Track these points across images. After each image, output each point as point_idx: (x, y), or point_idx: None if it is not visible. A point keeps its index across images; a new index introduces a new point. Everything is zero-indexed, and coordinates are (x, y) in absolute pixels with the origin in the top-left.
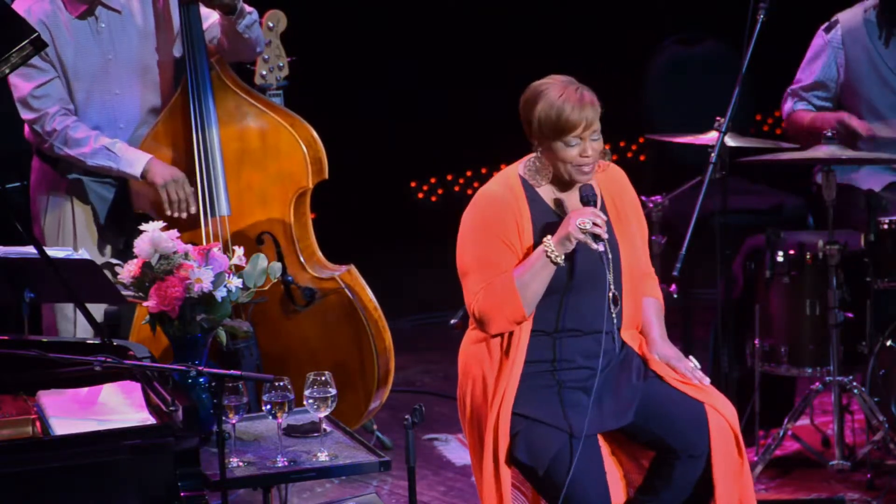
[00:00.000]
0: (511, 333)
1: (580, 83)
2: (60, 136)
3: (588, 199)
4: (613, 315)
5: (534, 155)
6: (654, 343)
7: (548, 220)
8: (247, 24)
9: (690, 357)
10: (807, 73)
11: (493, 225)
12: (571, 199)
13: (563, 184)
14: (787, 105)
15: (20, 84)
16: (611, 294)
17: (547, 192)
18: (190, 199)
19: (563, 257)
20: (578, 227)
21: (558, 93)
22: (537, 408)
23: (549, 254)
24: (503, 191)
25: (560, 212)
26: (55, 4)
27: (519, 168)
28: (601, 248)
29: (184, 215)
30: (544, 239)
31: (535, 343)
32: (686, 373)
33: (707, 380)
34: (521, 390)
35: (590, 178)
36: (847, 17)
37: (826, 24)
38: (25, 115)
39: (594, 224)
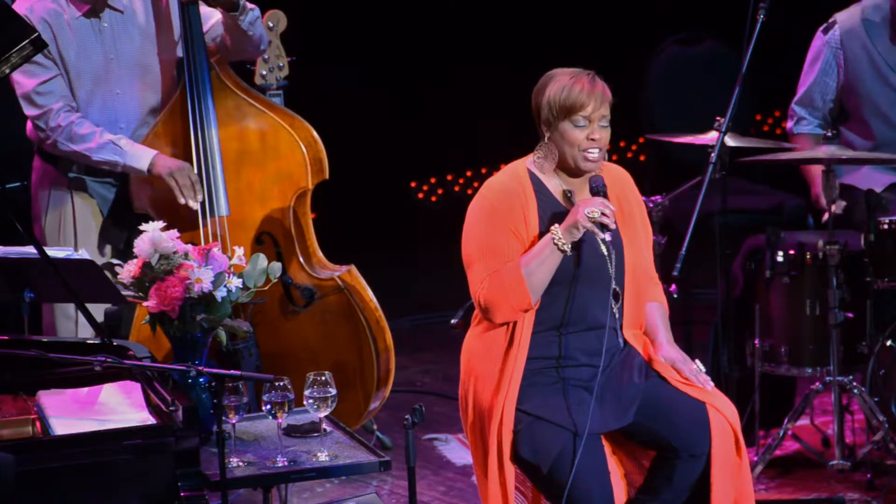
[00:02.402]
0: (514, 330)
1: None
2: (65, 132)
3: (598, 189)
4: (615, 311)
5: (542, 143)
6: (661, 346)
7: (554, 211)
8: (250, 21)
9: (696, 360)
10: (807, 77)
11: (501, 214)
12: (579, 191)
13: (570, 175)
14: (788, 124)
15: (23, 80)
16: (612, 289)
17: (554, 185)
18: (197, 185)
19: (570, 246)
20: (587, 215)
21: (569, 75)
22: (541, 405)
23: (556, 241)
24: (510, 181)
25: (567, 204)
26: (58, 3)
27: (527, 161)
28: (608, 237)
29: (195, 204)
30: (552, 227)
31: (538, 339)
32: (690, 376)
33: (711, 384)
34: (525, 387)
35: (596, 167)
36: (845, 18)
37: (824, 26)
38: (29, 111)
39: (602, 213)
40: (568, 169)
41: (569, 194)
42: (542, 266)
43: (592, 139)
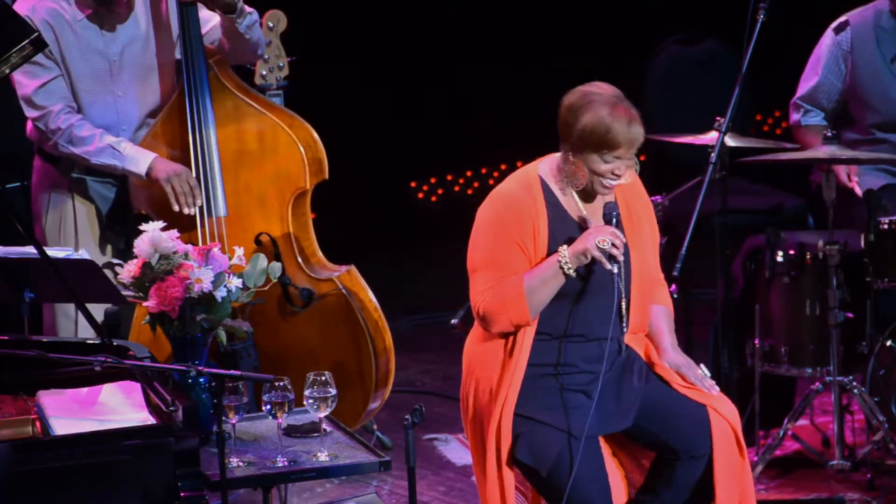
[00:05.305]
0: (516, 335)
1: (625, 99)
2: (65, 135)
3: (611, 216)
4: (623, 326)
5: (567, 159)
6: (665, 352)
7: (564, 227)
8: (247, 25)
9: (701, 365)
10: (812, 74)
11: (509, 225)
12: (591, 209)
13: (584, 192)
14: (795, 117)
15: (24, 81)
16: (618, 306)
17: (567, 198)
18: (196, 191)
19: (575, 270)
20: (597, 245)
21: (609, 108)
22: (540, 409)
23: (562, 265)
24: (522, 192)
25: (578, 220)
26: (59, 4)
27: (539, 169)
28: (615, 269)
29: (192, 211)
30: (560, 248)
31: (539, 346)
32: (695, 381)
33: (716, 389)
34: (524, 391)
35: (612, 192)
36: (858, 21)
37: (836, 25)
38: (29, 112)
39: (613, 245)
40: (584, 189)
41: (580, 211)
42: (545, 286)
43: (616, 174)
